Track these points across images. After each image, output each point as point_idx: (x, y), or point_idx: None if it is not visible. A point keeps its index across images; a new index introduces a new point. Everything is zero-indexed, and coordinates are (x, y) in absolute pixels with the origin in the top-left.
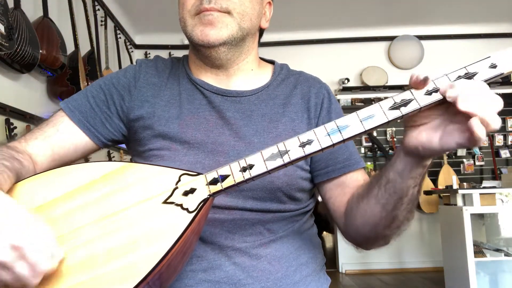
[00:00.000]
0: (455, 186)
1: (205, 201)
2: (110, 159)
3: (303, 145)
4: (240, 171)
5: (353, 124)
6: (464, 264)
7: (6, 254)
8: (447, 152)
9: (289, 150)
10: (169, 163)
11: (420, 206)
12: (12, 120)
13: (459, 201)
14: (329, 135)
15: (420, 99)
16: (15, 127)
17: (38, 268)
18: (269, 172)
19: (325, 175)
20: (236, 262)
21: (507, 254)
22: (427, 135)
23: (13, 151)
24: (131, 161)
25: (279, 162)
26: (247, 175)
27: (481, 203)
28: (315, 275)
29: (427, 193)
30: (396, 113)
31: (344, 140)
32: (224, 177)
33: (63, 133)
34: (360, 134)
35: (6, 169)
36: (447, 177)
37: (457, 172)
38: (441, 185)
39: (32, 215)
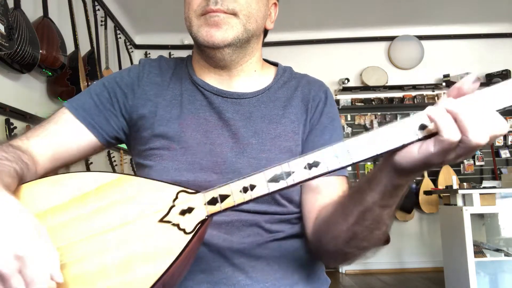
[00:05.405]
0: (455, 186)
1: (202, 222)
2: (110, 159)
3: (308, 167)
4: (240, 191)
5: (364, 146)
6: (464, 264)
7: (8, 266)
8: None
9: (293, 172)
10: (168, 162)
11: (420, 206)
12: (12, 120)
13: (459, 201)
14: (337, 157)
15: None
16: (15, 127)
17: (32, 287)
18: (271, 193)
19: None
20: (235, 263)
21: (507, 254)
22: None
23: (19, 151)
24: (131, 161)
25: (282, 184)
26: (247, 196)
27: (481, 203)
28: (314, 275)
29: (427, 193)
30: (411, 137)
31: (354, 163)
32: (223, 197)
33: (67, 130)
34: (371, 158)
35: (16, 175)
36: (447, 177)
37: (457, 172)
38: (441, 185)
39: (42, 227)
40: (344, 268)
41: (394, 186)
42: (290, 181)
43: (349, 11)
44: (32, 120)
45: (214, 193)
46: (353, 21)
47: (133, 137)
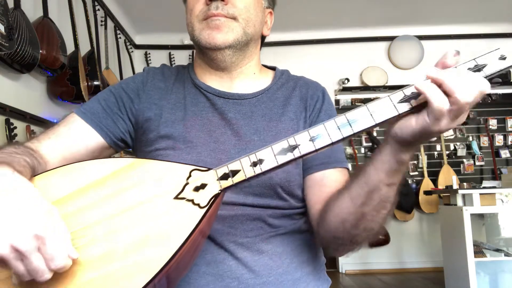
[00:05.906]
0: (455, 186)
1: (216, 196)
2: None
3: (313, 139)
4: (250, 166)
5: (363, 117)
6: (464, 264)
7: (28, 244)
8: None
9: (299, 145)
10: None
11: (420, 206)
12: (12, 120)
13: (459, 201)
14: (339, 128)
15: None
16: (15, 127)
17: (52, 263)
18: (279, 166)
19: (304, 171)
20: (239, 257)
21: (507, 254)
22: (406, 118)
23: (29, 149)
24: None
25: (289, 156)
26: (257, 169)
27: (481, 203)
28: (315, 274)
29: (427, 193)
30: (405, 106)
31: (354, 134)
32: (234, 172)
33: (75, 132)
34: (370, 127)
35: (28, 165)
36: (447, 177)
37: (457, 172)
38: (441, 185)
39: (56, 210)
40: (344, 268)
41: (398, 162)
42: (297, 153)
43: (349, 11)
44: (32, 120)
45: (225, 169)
46: (353, 21)
47: (139, 139)
